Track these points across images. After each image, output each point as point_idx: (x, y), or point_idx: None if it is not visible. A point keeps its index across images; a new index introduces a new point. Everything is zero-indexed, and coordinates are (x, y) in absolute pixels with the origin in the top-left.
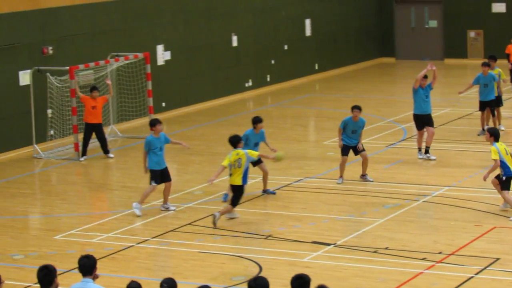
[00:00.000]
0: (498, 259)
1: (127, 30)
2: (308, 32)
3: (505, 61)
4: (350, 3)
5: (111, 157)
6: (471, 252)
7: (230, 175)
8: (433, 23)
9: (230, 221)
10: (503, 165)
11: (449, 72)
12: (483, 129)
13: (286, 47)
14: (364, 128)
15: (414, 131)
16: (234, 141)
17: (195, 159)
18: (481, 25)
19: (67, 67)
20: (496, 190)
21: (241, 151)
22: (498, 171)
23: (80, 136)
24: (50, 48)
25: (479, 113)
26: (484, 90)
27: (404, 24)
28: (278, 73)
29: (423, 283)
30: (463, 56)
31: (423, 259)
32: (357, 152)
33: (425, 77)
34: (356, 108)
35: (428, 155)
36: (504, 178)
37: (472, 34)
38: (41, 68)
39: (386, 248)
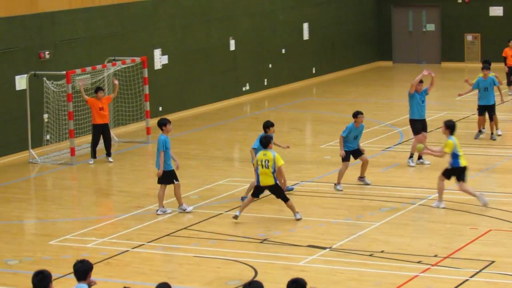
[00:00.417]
0: (493, 261)
1: (124, 34)
2: (305, 36)
3: (502, 64)
4: (348, 7)
5: (111, 162)
6: (466, 255)
7: (258, 177)
8: (430, 27)
9: (224, 225)
10: (454, 156)
11: (446, 75)
12: (480, 131)
13: (283, 51)
14: (364, 131)
15: (410, 135)
16: (265, 142)
17: (191, 164)
18: (478, 29)
19: (64, 72)
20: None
21: (269, 153)
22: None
23: (77, 140)
24: (47, 52)
25: (476, 116)
26: (484, 94)
27: (402, 28)
28: (276, 77)
29: (419, 286)
30: (460, 60)
31: (419, 262)
32: (357, 155)
33: (421, 81)
34: (360, 113)
35: (421, 160)
36: (450, 168)
37: (469, 37)
38: (37, 72)
39: (382, 252)
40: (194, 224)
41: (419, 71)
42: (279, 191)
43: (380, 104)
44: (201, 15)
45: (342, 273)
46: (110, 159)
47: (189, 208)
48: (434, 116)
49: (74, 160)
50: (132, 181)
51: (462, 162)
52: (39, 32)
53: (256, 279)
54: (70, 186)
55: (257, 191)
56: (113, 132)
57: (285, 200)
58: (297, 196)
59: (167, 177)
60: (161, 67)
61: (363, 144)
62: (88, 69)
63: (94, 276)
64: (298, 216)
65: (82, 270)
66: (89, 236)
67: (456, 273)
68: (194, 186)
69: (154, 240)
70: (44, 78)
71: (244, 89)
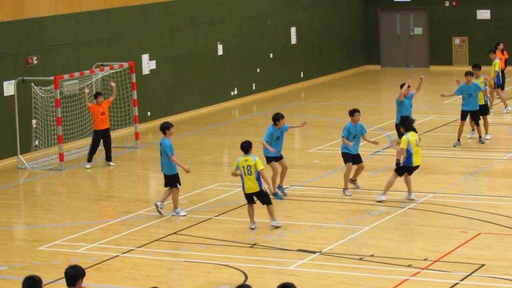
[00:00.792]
0: (483, 265)
1: (112, 40)
2: (293, 40)
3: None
4: (335, 11)
5: (112, 165)
6: (456, 259)
7: (243, 184)
8: (418, 30)
9: (214, 230)
10: (408, 154)
11: (434, 79)
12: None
13: (271, 55)
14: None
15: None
16: (246, 146)
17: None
18: (466, 32)
19: (52, 77)
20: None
21: (250, 158)
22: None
23: (66, 146)
24: (35, 58)
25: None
26: (469, 100)
27: (389, 32)
28: (264, 81)
29: None
30: (448, 63)
31: (409, 266)
32: (355, 162)
33: (408, 86)
34: (357, 111)
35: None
36: (401, 164)
37: (457, 41)
38: (25, 78)
39: (372, 256)
40: (184, 229)
41: (407, 74)
42: (264, 197)
43: (368, 108)
44: (188, 20)
45: (332, 277)
46: (111, 163)
47: (182, 213)
48: (422, 120)
49: (63, 165)
50: (122, 186)
51: (415, 161)
52: (26, 37)
53: (247, 283)
54: (59, 192)
55: (248, 198)
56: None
57: (268, 203)
58: (286, 201)
59: (173, 180)
60: (149, 72)
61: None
62: (76, 74)
63: (83, 281)
64: (274, 223)
65: (72, 275)
66: (78, 241)
67: (446, 277)
68: (184, 191)
69: (144, 245)
70: (32, 84)
71: (232, 93)
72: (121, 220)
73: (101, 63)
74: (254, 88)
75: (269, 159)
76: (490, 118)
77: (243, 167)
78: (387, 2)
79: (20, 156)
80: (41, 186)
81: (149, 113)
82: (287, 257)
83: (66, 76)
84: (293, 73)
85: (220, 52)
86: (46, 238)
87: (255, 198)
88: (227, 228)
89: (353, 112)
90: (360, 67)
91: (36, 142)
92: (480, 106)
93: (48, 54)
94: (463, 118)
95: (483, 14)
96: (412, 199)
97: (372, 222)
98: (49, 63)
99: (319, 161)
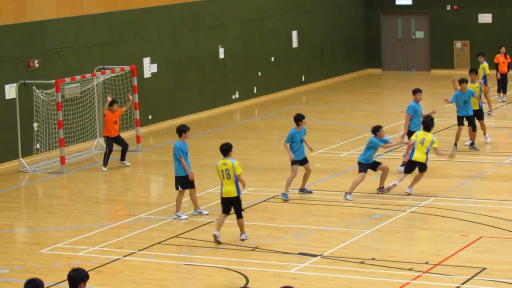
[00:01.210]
0: (484, 268)
1: (113, 43)
2: (295, 43)
3: (493, 71)
4: (337, 14)
5: (127, 165)
6: (457, 262)
7: (221, 188)
8: (419, 34)
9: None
10: (413, 148)
11: (436, 83)
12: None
13: (273, 59)
14: (355, 138)
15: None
16: (225, 149)
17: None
18: (468, 36)
19: (53, 80)
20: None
21: (228, 161)
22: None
23: (67, 149)
24: (36, 61)
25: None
26: (464, 107)
27: (391, 35)
28: (265, 85)
29: None
30: (450, 67)
31: (410, 269)
32: (375, 167)
33: (420, 91)
34: (380, 128)
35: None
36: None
37: (458, 44)
38: (27, 81)
39: (373, 259)
40: (185, 232)
41: (409, 78)
42: (238, 205)
43: (370, 112)
44: (190, 23)
45: (333, 281)
46: (126, 163)
47: (184, 216)
48: None
49: (64, 168)
50: (123, 190)
51: (414, 156)
52: (28, 41)
53: (248, 286)
54: (60, 195)
55: (223, 204)
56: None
57: (239, 216)
58: (287, 204)
59: (176, 183)
60: (150, 76)
61: (353, 151)
62: (78, 77)
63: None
64: (243, 237)
65: (74, 278)
66: (80, 244)
67: (447, 280)
68: (185, 195)
69: (145, 248)
70: (34, 87)
71: (233, 97)
72: (122, 223)
73: (102, 67)
74: (255, 91)
75: (294, 162)
76: (491, 121)
77: (222, 170)
78: (389, 5)
79: (21, 159)
80: (42, 189)
81: (150, 117)
82: (288, 261)
83: (67, 79)
84: (295, 76)
85: (221, 55)
86: (48, 241)
87: (231, 209)
88: (229, 231)
89: (378, 129)
90: (361, 70)
91: (38, 145)
92: (475, 111)
93: (49, 57)
94: (460, 123)
95: (485, 18)
96: (409, 193)
97: (373, 225)
98: (50, 66)
99: (320, 165)
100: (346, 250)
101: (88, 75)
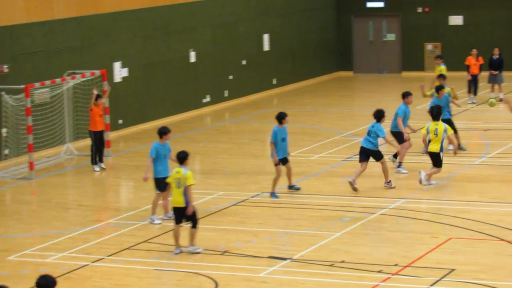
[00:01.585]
0: (453, 270)
1: (83, 48)
2: (266, 47)
3: (464, 73)
4: (308, 17)
5: (103, 168)
6: (426, 264)
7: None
8: (391, 36)
9: (185, 237)
10: (428, 141)
11: (407, 85)
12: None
13: (244, 62)
14: (326, 141)
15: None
16: (182, 157)
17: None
18: (439, 38)
19: (23, 86)
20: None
21: (182, 170)
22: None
23: (36, 155)
24: (6, 66)
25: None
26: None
27: (362, 38)
28: (236, 88)
29: None
30: (421, 69)
31: (379, 271)
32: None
33: (410, 94)
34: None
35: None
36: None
37: (429, 46)
38: None
39: (343, 262)
40: (155, 237)
41: (380, 81)
42: (191, 216)
43: (341, 114)
44: (161, 27)
45: (303, 284)
46: (102, 165)
47: (157, 221)
48: None
49: (33, 174)
50: (92, 195)
51: (430, 147)
52: None
53: None
54: (29, 201)
55: (175, 214)
56: (73, 146)
57: (193, 226)
58: (257, 208)
59: (162, 184)
60: (121, 80)
61: (323, 154)
62: (47, 82)
63: None
64: (191, 249)
65: (42, 285)
66: (48, 251)
67: (416, 282)
68: None
69: (114, 253)
70: (3, 92)
71: (204, 101)
72: (91, 229)
73: (72, 71)
74: (226, 95)
75: (277, 163)
76: (462, 123)
77: (175, 178)
78: (360, 8)
79: None
80: (11, 195)
81: (120, 121)
82: (258, 264)
83: (37, 85)
84: (266, 80)
85: (192, 59)
86: (16, 247)
87: (183, 220)
88: (198, 235)
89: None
90: (332, 73)
91: (6, 151)
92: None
93: (19, 62)
94: None
95: (456, 20)
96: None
97: (343, 228)
98: (20, 71)
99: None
100: (316, 253)
101: (58, 80)
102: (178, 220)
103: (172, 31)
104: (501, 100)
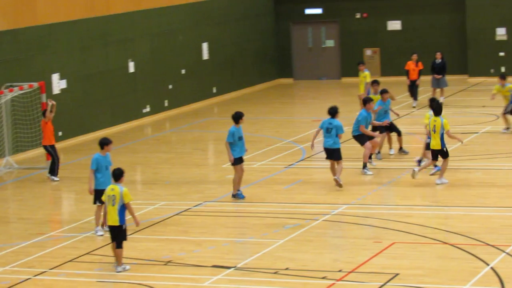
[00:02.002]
0: (397, 274)
1: (21, 60)
2: (205, 55)
3: (404, 78)
4: (247, 25)
5: (57, 180)
6: (370, 269)
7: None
8: (330, 43)
9: (128, 248)
10: (428, 138)
11: (347, 91)
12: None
13: (183, 71)
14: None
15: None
16: (117, 174)
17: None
18: (378, 43)
19: None
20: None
21: (117, 188)
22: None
23: None
24: None
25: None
26: (384, 116)
27: (301, 45)
28: (176, 97)
29: None
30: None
31: (324, 277)
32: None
33: (371, 99)
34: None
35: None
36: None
37: (368, 52)
38: None
39: (287, 269)
40: (97, 249)
41: (320, 87)
42: (119, 236)
43: (281, 122)
44: (99, 37)
45: None
46: (56, 178)
47: (100, 232)
48: None
49: None
50: (33, 208)
51: (432, 144)
52: None
53: None
54: None
55: (111, 232)
56: (12, 159)
57: (118, 246)
58: (200, 217)
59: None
60: (59, 92)
61: (265, 161)
62: None
63: None
64: (119, 269)
65: None
66: None
67: (361, 287)
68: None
69: (57, 266)
70: None
71: (144, 111)
72: (33, 242)
73: (10, 84)
74: (166, 104)
75: (235, 161)
76: (404, 127)
77: (108, 196)
78: (299, 15)
79: None
80: None
81: (60, 133)
82: (202, 273)
83: None
84: (206, 88)
85: (131, 69)
86: None
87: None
88: (141, 246)
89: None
90: (272, 81)
91: None
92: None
93: None
94: (382, 131)
95: (394, 25)
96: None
97: (286, 235)
98: None
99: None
100: (259, 261)
101: None
102: (112, 239)
103: (110, 42)
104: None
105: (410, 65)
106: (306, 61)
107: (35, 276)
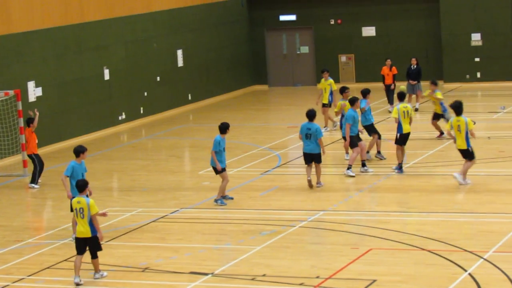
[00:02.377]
0: (374, 280)
1: None
2: (180, 62)
3: (379, 84)
4: (221, 32)
5: (37, 188)
6: (348, 275)
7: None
8: (304, 49)
9: (105, 255)
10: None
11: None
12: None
13: (158, 78)
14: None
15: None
16: (82, 185)
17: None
18: (352, 49)
19: None
20: None
21: (83, 200)
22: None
23: None
24: None
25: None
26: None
27: (276, 51)
28: (152, 105)
29: None
30: (335, 81)
31: (301, 284)
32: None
33: (357, 99)
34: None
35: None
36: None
37: (343, 58)
38: None
39: (264, 275)
40: (74, 255)
41: (295, 93)
42: (95, 247)
43: (256, 128)
44: (74, 45)
45: None
46: (36, 186)
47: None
48: None
49: None
50: (10, 215)
51: (457, 144)
52: None
53: None
54: None
55: (77, 244)
56: None
57: (93, 256)
58: (177, 224)
59: None
60: (35, 99)
61: (242, 168)
62: None
63: None
64: (97, 276)
65: None
66: None
67: None
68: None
69: (35, 273)
70: None
71: (120, 118)
72: (11, 249)
73: None
74: (142, 112)
75: (222, 169)
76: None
77: (76, 209)
78: (273, 22)
79: None
80: None
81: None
82: (180, 280)
83: None
84: (181, 95)
85: (106, 76)
86: None
87: (86, 249)
88: (118, 253)
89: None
90: (247, 87)
91: None
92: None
93: None
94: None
95: (368, 31)
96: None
97: (263, 241)
98: None
99: (209, 183)
100: (236, 267)
101: None
102: (80, 251)
103: (84, 49)
104: (416, 110)
105: (385, 71)
106: (281, 67)
107: (13, 283)
